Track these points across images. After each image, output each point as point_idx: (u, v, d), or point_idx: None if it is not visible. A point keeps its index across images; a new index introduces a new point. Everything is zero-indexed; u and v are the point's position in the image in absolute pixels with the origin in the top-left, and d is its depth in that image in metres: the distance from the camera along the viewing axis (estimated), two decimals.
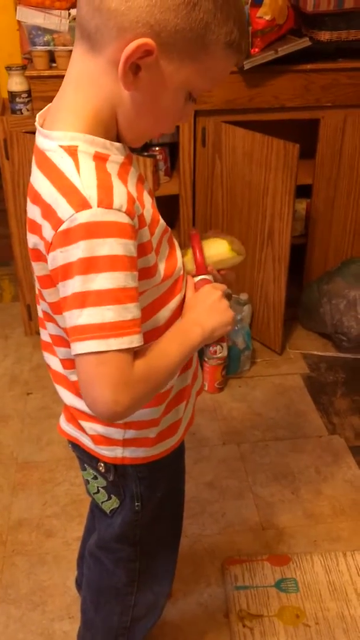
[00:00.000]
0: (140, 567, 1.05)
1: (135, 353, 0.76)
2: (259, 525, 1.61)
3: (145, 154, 2.15)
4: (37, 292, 0.88)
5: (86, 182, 0.70)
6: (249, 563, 1.51)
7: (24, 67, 1.96)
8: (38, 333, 0.96)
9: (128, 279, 0.72)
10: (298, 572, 1.49)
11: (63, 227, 0.70)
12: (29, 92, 1.95)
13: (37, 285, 0.87)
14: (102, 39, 0.71)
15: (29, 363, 2.20)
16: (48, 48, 1.93)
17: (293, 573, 1.48)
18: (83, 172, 0.71)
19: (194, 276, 0.95)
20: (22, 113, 1.96)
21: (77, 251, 0.70)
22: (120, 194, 0.71)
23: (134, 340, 0.73)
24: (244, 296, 2.15)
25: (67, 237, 0.70)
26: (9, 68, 1.94)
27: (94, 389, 0.73)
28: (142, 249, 0.78)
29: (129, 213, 0.71)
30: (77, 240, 0.69)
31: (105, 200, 0.70)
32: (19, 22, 1.98)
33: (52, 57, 1.95)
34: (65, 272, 0.72)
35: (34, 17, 1.92)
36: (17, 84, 1.94)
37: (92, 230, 0.69)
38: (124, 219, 0.71)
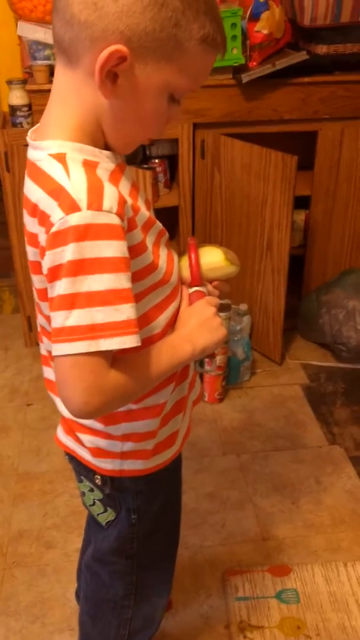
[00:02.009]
0: (137, 580, 1.04)
1: (117, 359, 0.76)
2: (259, 536, 1.61)
3: (145, 166, 2.17)
4: (35, 305, 0.88)
5: (76, 184, 0.71)
6: (250, 574, 1.51)
7: (24, 81, 1.98)
8: (38, 344, 0.96)
9: (121, 280, 0.72)
10: (299, 583, 1.48)
11: (53, 229, 0.70)
12: (29, 106, 1.97)
13: (35, 298, 0.87)
14: (77, 51, 0.72)
15: (29, 374, 2.21)
16: (48, 62, 1.95)
17: (294, 584, 1.48)
18: (73, 175, 0.72)
19: (188, 287, 0.94)
20: (22, 126, 1.98)
21: (67, 253, 0.70)
22: (110, 195, 0.72)
23: (126, 341, 0.72)
24: (243, 307, 2.16)
25: (57, 239, 0.70)
26: (9, 82, 1.96)
27: (66, 390, 0.74)
28: (136, 250, 0.78)
29: (119, 215, 0.72)
30: (66, 242, 0.70)
31: (95, 203, 0.70)
32: (19, 37, 2.01)
33: (52, 71, 1.97)
34: (54, 273, 0.72)
35: (34, 32, 1.94)
36: (17, 97, 1.96)
37: (82, 233, 0.69)
38: (114, 220, 0.71)
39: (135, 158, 2.19)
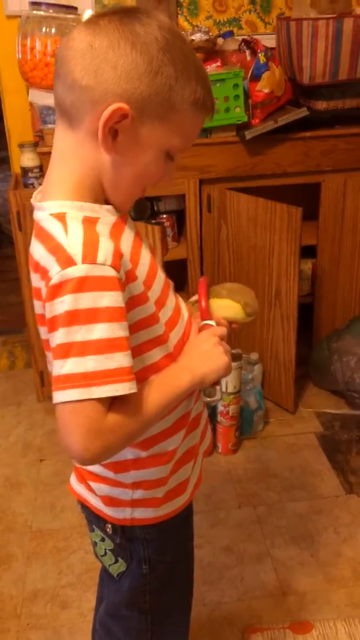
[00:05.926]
0: (152, 638, 1.02)
1: (116, 401, 0.76)
2: (278, 590, 1.57)
3: (153, 221, 2.22)
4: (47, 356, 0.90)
5: (72, 241, 0.75)
6: (270, 631, 1.46)
7: (35, 144, 2.06)
8: (51, 399, 0.97)
9: (114, 329, 0.74)
10: None
11: (51, 282, 0.74)
12: (40, 167, 2.04)
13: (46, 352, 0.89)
14: (78, 113, 0.77)
15: (41, 429, 2.21)
16: None
17: None
18: (70, 233, 0.76)
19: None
20: (34, 187, 2.05)
21: (63, 305, 0.73)
22: (105, 249, 0.75)
23: (119, 389, 0.74)
24: (254, 355, 2.17)
25: (54, 292, 0.74)
26: (21, 145, 2.04)
27: (67, 436, 0.75)
28: (135, 301, 0.81)
29: (114, 266, 0.75)
30: (62, 294, 0.73)
31: (90, 256, 0.73)
32: (30, 103, 2.10)
33: None
34: (52, 324, 0.75)
35: (45, 99, 2.03)
36: (29, 159, 2.03)
37: (77, 285, 0.73)
38: (109, 272, 0.74)
39: (144, 214, 2.25)
